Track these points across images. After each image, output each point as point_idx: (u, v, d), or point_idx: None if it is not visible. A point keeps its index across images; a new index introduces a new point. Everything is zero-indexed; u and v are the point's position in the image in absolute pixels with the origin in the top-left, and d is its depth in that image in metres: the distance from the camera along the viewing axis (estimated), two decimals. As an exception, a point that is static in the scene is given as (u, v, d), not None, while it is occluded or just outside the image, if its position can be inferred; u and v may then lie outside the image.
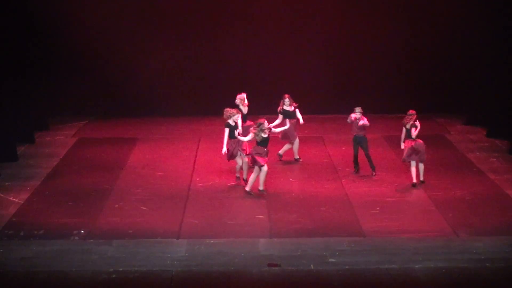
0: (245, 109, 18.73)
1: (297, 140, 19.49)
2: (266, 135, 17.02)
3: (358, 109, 18.45)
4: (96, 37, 23.81)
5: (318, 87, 24.42)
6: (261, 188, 17.21)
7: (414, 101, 24.45)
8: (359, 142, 18.51)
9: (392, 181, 18.09)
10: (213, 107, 23.86)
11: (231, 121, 17.43)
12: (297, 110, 19.30)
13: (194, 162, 19.62)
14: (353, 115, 18.39)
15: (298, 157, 19.64)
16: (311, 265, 13.65)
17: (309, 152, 20.43)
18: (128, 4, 23.95)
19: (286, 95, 19.33)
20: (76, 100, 24.13)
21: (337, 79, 24.53)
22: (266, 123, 17.11)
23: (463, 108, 23.88)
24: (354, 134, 18.49)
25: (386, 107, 24.66)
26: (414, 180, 17.60)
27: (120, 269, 13.50)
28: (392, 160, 19.80)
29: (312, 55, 24.39)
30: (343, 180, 18.13)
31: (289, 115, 19.21)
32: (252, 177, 17.15)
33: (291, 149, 19.52)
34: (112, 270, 13.48)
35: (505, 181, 18.02)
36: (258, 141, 17.03)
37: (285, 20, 24.30)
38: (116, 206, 16.63)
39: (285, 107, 19.22)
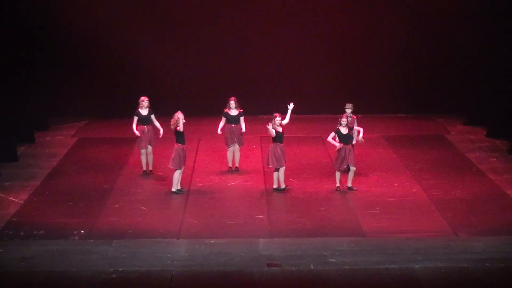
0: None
1: (237, 148, 18.67)
2: None
3: (349, 105, 18.21)
4: (96, 37, 23.80)
5: (319, 87, 24.41)
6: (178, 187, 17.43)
7: (414, 101, 24.56)
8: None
9: (392, 181, 18.07)
10: (213, 107, 23.88)
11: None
12: (241, 118, 18.51)
13: (194, 162, 19.60)
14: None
15: (234, 166, 18.82)
16: (311, 265, 13.64)
17: (309, 152, 20.43)
18: (128, 5, 23.96)
19: (232, 98, 18.57)
20: (76, 100, 24.13)
21: (337, 79, 24.52)
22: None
23: (463, 108, 23.86)
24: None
25: (386, 107, 24.68)
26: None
27: (120, 269, 13.49)
28: (392, 160, 19.78)
29: (312, 55, 24.39)
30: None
31: (231, 120, 18.55)
32: None
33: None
34: (112, 270, 13.46)
35: (505, 181, 18.00)
36: None
37: (286, 20, 24.29)
38: (116, 206, 16.62)
39: (229, 111, 18.53)
